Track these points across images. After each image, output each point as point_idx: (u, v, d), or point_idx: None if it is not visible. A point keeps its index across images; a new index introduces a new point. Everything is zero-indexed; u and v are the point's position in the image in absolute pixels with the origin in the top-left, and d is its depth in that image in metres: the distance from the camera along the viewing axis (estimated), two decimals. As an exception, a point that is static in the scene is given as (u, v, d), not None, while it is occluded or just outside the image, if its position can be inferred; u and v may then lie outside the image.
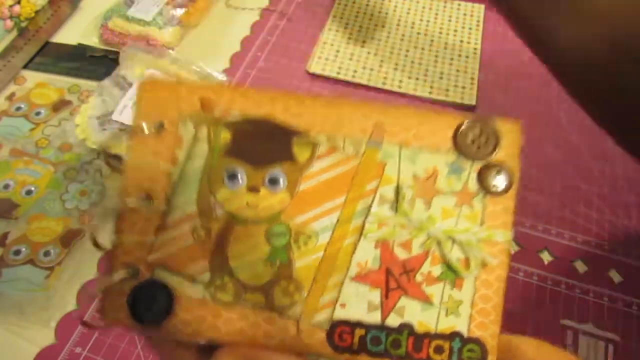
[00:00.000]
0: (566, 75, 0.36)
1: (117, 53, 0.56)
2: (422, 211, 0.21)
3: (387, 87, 0.55)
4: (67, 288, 0.41)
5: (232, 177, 0.21)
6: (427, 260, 0.21)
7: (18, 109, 0.52)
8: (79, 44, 0.58)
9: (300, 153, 0.21)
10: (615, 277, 0.43)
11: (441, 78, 0.55)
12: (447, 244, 0.21)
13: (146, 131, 0.21)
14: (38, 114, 0.52)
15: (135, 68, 0.52)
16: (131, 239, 0.22)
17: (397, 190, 0.21)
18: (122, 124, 0.48)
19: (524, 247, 0.44)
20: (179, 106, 0.21)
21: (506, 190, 0.21)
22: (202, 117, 0.21)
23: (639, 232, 0.45)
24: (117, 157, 0.48)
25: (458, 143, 0.21)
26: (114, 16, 0.58)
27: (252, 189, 0.21)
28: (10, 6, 0.57)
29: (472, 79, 0.55)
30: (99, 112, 0.49)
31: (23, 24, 0.57)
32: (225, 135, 0.21)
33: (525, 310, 0.41)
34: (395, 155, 0.21)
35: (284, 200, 0.21)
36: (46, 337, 0.39)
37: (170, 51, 0.56)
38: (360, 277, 0.21)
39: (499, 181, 0.20)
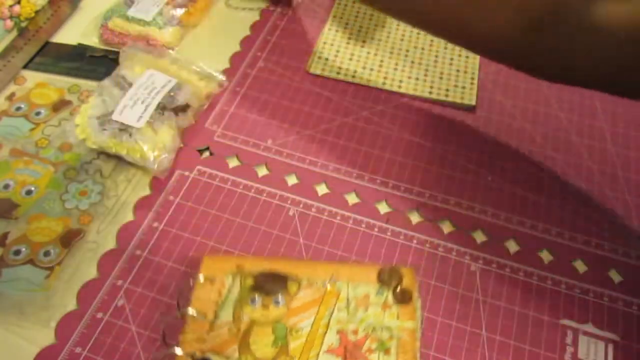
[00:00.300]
0: (493, 54, 0.37)
1: (117, 53, 0.56)
2: (362, 314, 0.37)
3: (387, 87, 0.55)
4: (67, 288, 0.41)
5: (253, 301, 0.37)
6: (368, 339, 0.36)
7: (18, 109, 0.52)
8: (79, 44, 0.58)
9: (292, 287, 0.38)
10: (615, 277, 0.43)
11: (441, 78, 0.55)
12: (378, 330, 0.36)
13: (202, 281, 0.38)
14: (38, 114, 0.52)
15: (135, 68, 0.52)
16: (191, 336, 0.36)
17: (347, 304, 0.37)
18: (122, 124, 0.48)
19: (524, 247, 0.44)
20: (224, 268, 0.38)
21: (408, 301, 0.37)
22: (237, 273, 0.38)
23: (639, 232, 0.45)
24: (117, 157, 0.48)
25: (379, 279, 0.38)
26: (114, 16, 0.58)
27: (265, 306, 0.37)
28: (10, 6, 0.57)
29: (472, 79, 0.55)
30: (98, 112, 0.49)
31: (23, 24, 0.57)
32: (249, 281, 0.38)
33: (525, 310, 0.41)
34: (345, 287, 0.38)
35: (283, 311, 0.37)
36: (46, 337, 0.39)
37: (170, 51, 0.56)
38: (329, 351, 0.36)
39: (405, 297, 0.38)
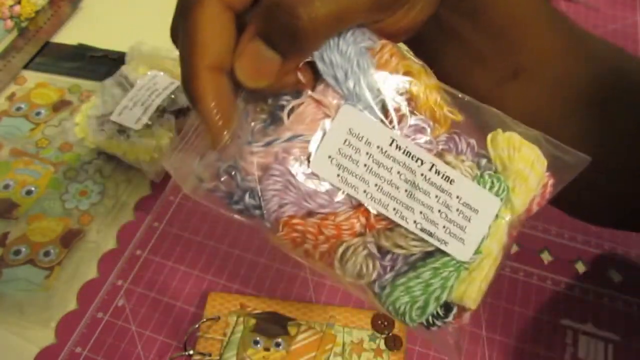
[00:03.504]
0: None
1: (118, 53, 0.56)
2: (356, 359, 0.38)
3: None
4: (67, 288, 0.41)
5: (256, 342, 0.38)
6: None
7: (18, 109, 0.52)
8: (80, 44, 0.58)
9: (292, 330, 0.39)
10: (615, 276, 0.43)
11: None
12: None
13: (204, 320, 0.39)
14: (38, 114, 0.52)
15: (139, 68, 0.52)
16: None
17: (343, 349, 0.38)
18: (121, 125, 0.47)
19: (524, 247, 0.44)
20: (228, 307, 0.40)
21: (399, 347, 0.38)
22: (240, 312, 0.39)
23: (639, 232, 0.45)
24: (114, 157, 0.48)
25: (373, 325, 0.39)
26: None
27: (266, 349, 0.38)
28: (11, 6, 0.57)
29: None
30: (99, 112, 0.49)
31: (23, 24, 0.57)
32: (252, 321, 0.39)
33: (525, 310, 0.41)
34: (341, 331, 0.39)
35: (283, 354, 0.38)
36: (46, 337, 0.39)
37: (177, 53, 0.55)
38: None
39: (395, 343, 0.39)
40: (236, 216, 0.24)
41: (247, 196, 0.23)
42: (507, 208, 0.25)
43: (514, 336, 0.40)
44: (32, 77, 0.55)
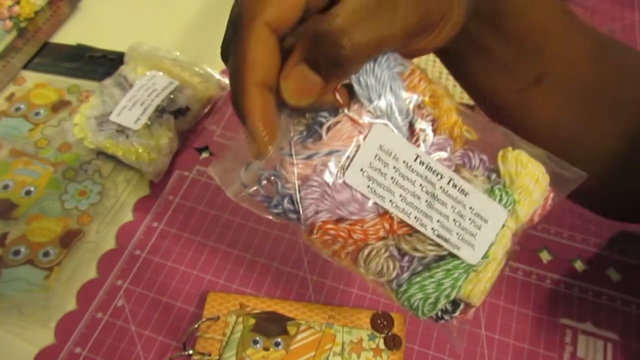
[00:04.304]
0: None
1: (116, 54, 0.56)
2: (355, 359, 0.39)
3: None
4: (66, 288, 0.41)
5: (255, 342, 0.38)
6: None
7: (17, 109, 0.52)
8: (79, 45, 0.58)
9: (291, 329, 0.39)
10: (614, 276, 0.43)
11: (440, 78, 0.55)
12: None
13: (204, 320, 0.39)
14: (37, 114, 0.52)
15: (138, 69, 0.52)
16: None
17: (342, 348, 0.38)
18: (120, 125, 0.47)
19: (523, 247, 0.44)
20: (228, 307, 0.40)
21: (398, 347, 0.39)
22: (240, 312, 0.40)
23: (638, 231, 0.45)
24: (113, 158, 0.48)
25: (372, 324, 0.40)
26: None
27: (266, 349, 0.38)
28: (10, 6, 0.57)
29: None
30: (97, 112, 0.49)
31: (22, 25, 0.57)
32: (251, 321, 0.39)
33: (524, 309, 0.41)
34: (340, 331, 0.39)
35: (283, 354, 0.38)
36: (45, 337, 0.39)
37: (176, 52, 0.55)
38: None
39: (395, 343, 0.39)
40: (271, 218, 0.27)
41: (285, 201, 0.26)
42: (513, 218, 0.27)
43: (513, 335, 0.40)
44: (31, 78, 0.55)
